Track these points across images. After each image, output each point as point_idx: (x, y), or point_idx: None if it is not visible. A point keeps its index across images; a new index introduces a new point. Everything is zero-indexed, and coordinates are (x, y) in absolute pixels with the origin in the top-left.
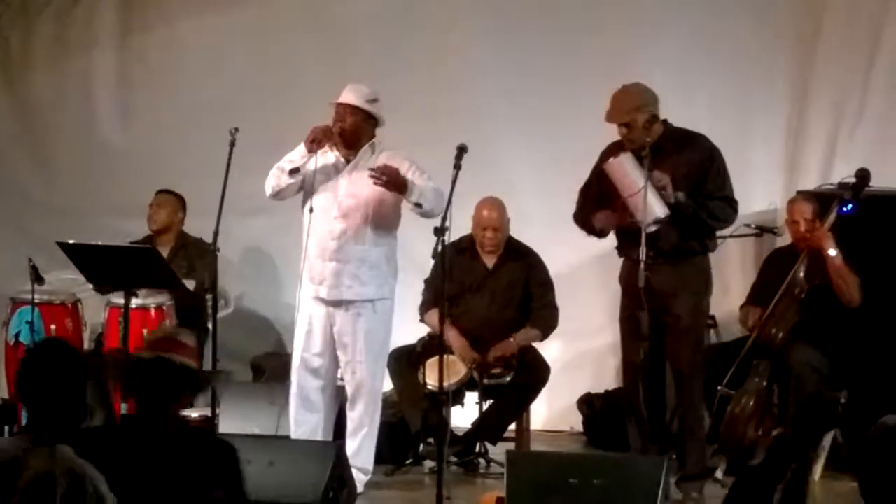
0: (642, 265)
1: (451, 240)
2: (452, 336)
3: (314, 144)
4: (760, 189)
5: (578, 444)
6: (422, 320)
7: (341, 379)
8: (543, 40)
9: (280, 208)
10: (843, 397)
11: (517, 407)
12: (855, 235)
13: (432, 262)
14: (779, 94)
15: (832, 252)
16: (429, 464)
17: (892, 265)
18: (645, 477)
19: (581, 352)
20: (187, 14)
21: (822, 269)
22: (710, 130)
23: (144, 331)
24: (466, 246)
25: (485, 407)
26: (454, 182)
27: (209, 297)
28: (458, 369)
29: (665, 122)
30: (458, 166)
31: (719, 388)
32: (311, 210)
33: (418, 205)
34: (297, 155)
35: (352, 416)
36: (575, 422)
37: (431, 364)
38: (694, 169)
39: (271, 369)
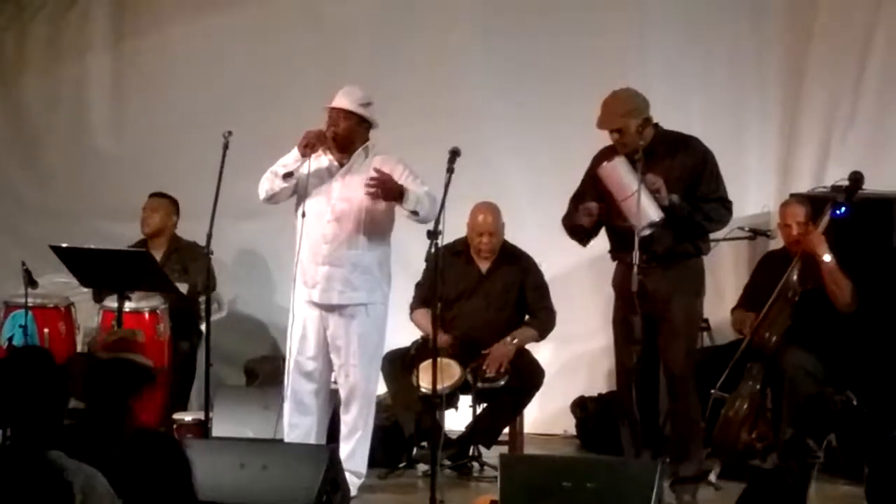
0: (635, 269)
1: (445, 243)
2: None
3: (308, 149)
4: (754, 192)
5: (572, 447)
6: (412, 320)
7: (335, 382)
8: (540, 43)
9: (273, 211)
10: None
11: (511, 410)
12: (848, 238)
13: (425, 265)
14: (772, 97)
15: (826, 257)
16: (422, 467)
17: (885, 268)
18: (638, 480)
19: (575, 355)
20: (180, 18)
21: (816, 272)
22: (703, 134)
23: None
24: (461, 249)
25: (478, 410)
26: (447, 185)
27: (202, 300)
28: (451, 372)
29: (656, 125)
30: (450, 170)
31: (713, 391)
32: (303, 215)
33: (414, 212)
34: (290, 159)
35: (346, 420)
36: (568, 425)
37: (425, 367)
38: (687, 171)
39: (265, 373)
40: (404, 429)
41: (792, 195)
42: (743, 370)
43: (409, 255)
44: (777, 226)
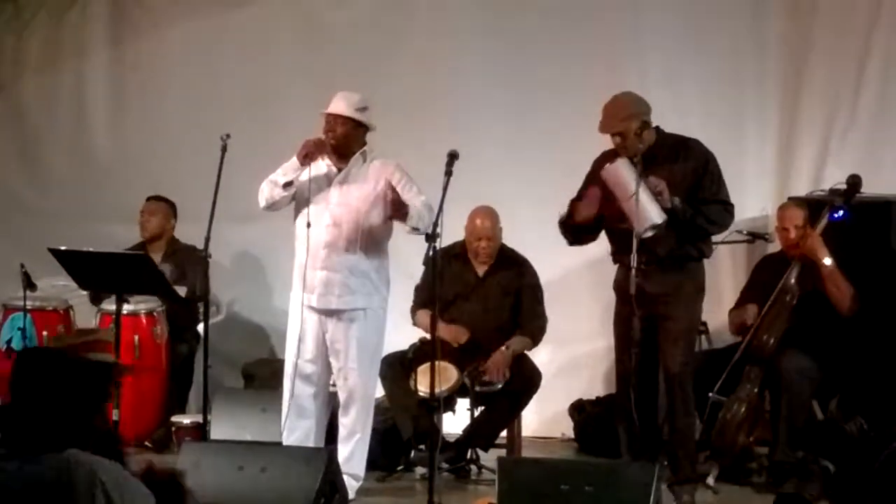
0: (633, 271)
1: (443, 245)
2: (441, 326)
3: (307, 159)
4: (752, 195)
5: (570, 450)
6: (414, 324)
7: (333, 385)
8: (535, 47)
9: (272, 214)
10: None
11: (509, 413)
12: (846, 242)
13: (423, 268)
14: (770, 100)
15: (827, 261)
16: (420, 470)
17: (883, 271)
18: (636, 483)
19: (572, 358)
20: (178, 21)
21: (814, 276)
22: (701, 137)
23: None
24: (458, 252)
25: (476, 413)
26: (445, 189)
27: (201, 303)
28: (449, 376)
29: (657, 128)
30: (449, 173)
31: (711, 394)
32: (308, 225)
33: (415, 228)
34: (289, 168)
35: (344, 423)
36: (566, 428)
37: (423, 370)
38: (689, 174)
39: (263, 375)
40: (402, 432)
41: (790, 198)
42: (741, 373)
43: (407, 258)
44: (775, 229)
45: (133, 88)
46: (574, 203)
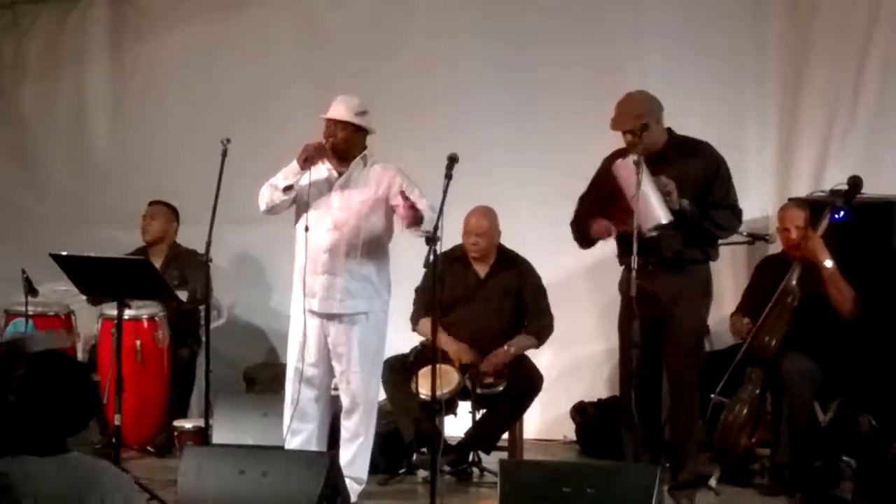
0: (633, 273)
1: (444, 249)
2: (446, 340)
3: (307, 163)
4: (752, 196)
5: (572, 452)
6: (414, 329)
7: (335, 388)
8: (535, 47)
9: (272, 218)
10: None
11: (510, 416)
12: (847, 242)
13: (424, 271)
14: (770, 100)
15: (828, 263)
16: (422, 473)
17: (884, 272)
18: (638, 485)
19: (574, 360)
20: (178, 25)
21: (816, 277)
22: (701, 137)
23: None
24: (459, 255)
25: (478, 416)
26: (445, 192)
27: (202, 307)
28: (450, 378)
29: (669, 130)
30: (448, 176)
31: (713, 395)
32: (306, 229)
33: (425, 231)
34: (290, 172)
35: (347, 426)
36: (568, 430)
37: (424, 373)
38: (699, 177)
39: (264, 379)
40: (404, 435)
41: (791, 199)
42: (742, 375)
43: (408, 261)
44: (776, 230)
45: (133, 93)
46: (583, 208)
